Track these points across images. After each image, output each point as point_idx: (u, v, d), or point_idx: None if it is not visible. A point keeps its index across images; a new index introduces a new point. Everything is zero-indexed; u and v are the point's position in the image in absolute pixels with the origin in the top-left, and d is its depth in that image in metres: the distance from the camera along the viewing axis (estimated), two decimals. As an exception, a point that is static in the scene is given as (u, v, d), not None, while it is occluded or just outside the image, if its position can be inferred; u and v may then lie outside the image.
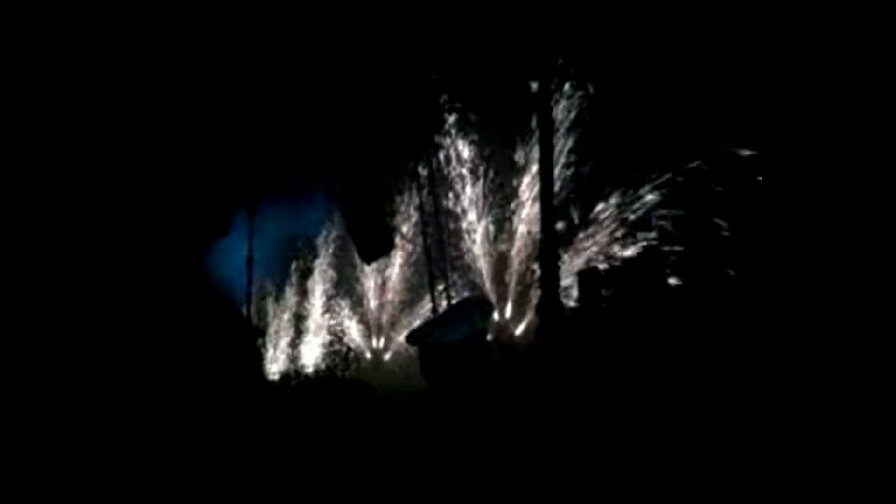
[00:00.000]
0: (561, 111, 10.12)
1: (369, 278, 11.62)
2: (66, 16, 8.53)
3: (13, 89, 8.49)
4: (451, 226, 10.97)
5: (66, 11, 8.50)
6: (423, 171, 10.38)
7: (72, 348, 8.37)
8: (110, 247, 9.28)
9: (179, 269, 9.76)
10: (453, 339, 3.31)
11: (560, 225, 9.41)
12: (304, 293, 11.72)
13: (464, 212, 11.01)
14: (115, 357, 8.42)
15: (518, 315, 10.61)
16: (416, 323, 10.38)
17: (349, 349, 11.50)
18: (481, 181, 10.95)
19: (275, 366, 11.34)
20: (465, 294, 10.57)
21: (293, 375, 11.11)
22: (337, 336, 11.60)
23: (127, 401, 7.87)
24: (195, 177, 9.94)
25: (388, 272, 11.52)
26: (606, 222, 10.03)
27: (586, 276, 8.44)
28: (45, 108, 8.72)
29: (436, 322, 4.89)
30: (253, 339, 10.21)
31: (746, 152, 8.93)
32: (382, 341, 11.46)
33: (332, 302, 11.71)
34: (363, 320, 11.64)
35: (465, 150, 11.01)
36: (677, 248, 9.41)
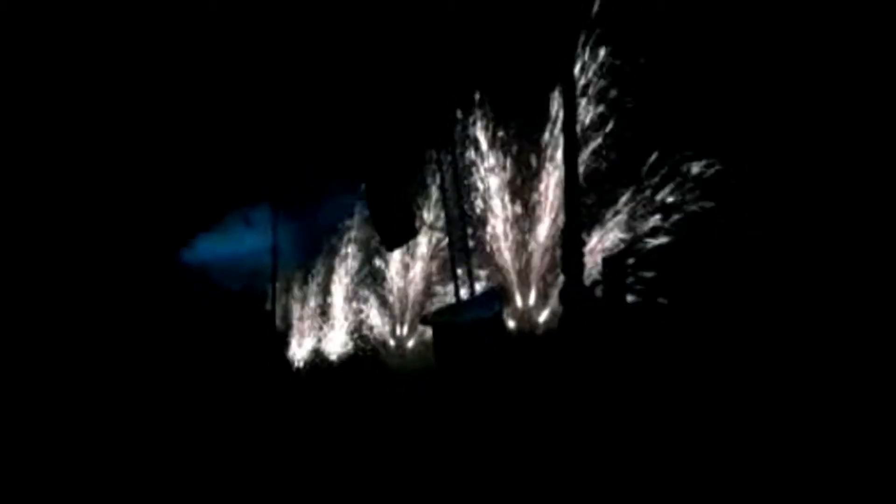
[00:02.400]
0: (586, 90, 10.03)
1: (393, 267, 11.62)
2: (66, 16, 8.58)
3: (12, 89, 8.57)
4: (475, 213, 10.93)
5: (66, 11, 8.55)
6: (446, 160, 10.31)
7: (87, 341, 8.49)
8: (120, 241, 9.39)
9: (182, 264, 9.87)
10: (466, 320, 3.26)
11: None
12: (328, 282, 11.77)
13: (487, 199, 10.95)
14: (136, 349, 8.53)
15: (541, 302, 10.52)
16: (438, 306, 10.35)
17: (373, 337, 11.52)
18: (505, 168, 10.87)
19: (300, 353, 11.40)
20: (486, 285, 10.52)
21: (318, 363, 11.18)
22: (360, 325, 11.63)
23: (149, 391, 7.98)
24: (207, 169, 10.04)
25: (411, 261, 11.50)
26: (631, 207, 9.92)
27: (612, 262, 8.31)
28: (45, 108, 8.80)
29: (452, 307, 4.86)
30: (275, 330, 10.28)
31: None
32: (406, 329, 11.46)
33: (357, 291, 11.74)
34: (387, 309, 11.65)
35: (489, 138, 10.95)
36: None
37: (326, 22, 9.96)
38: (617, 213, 10.05)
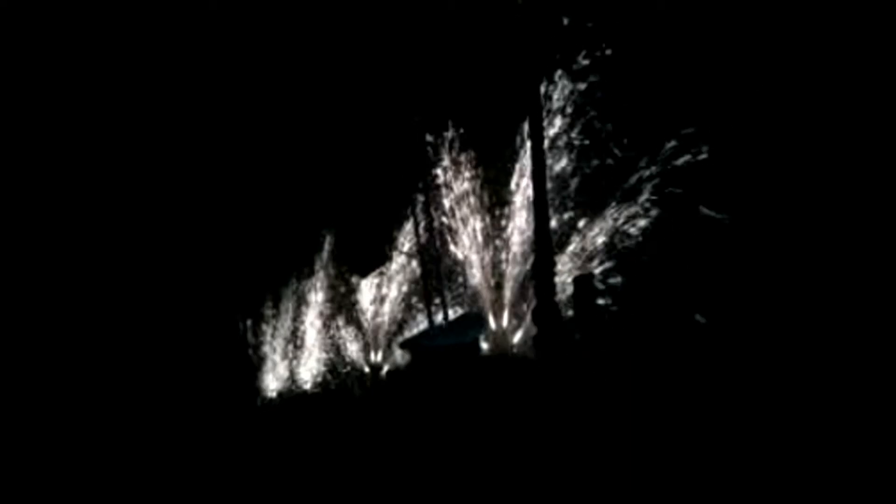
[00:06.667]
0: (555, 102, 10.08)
1: (365, 294, 11.59)
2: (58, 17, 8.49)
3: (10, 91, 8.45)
4: (447, 237, 10.95)
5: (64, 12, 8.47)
6: (418, 185, 10.39)
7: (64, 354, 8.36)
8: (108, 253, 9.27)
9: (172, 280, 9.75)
10: (444, 344, 3.28)
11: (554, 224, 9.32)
12: (301, 309, 11.70)
13: (461, 221, 10.99)
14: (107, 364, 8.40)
15: (515, 323, 10.55)
16: (413, 331, 10.37)
17: (346, 363, 11.46)
18: (476, 190, 10.94)
19: (273, 383, 11.28)
20: (461, 310, 10.55)
21: (291, 391, 11.06)
22: (334, 351, 11.57)
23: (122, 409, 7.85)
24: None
25: (384, 287, 11.48)
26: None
27: (582, 282, 8.40)
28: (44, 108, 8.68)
29: (430, 332, 4.89)
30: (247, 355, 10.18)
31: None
32: (380, 355, 11.43)
33: (329, 318, 11.68)
34: (360, 335, 11.61)
35: (460, 161, 11.02)
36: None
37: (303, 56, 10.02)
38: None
